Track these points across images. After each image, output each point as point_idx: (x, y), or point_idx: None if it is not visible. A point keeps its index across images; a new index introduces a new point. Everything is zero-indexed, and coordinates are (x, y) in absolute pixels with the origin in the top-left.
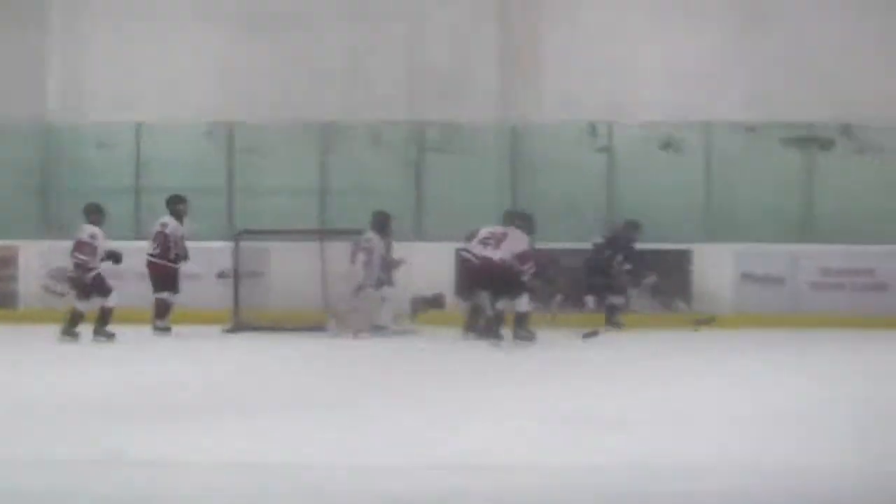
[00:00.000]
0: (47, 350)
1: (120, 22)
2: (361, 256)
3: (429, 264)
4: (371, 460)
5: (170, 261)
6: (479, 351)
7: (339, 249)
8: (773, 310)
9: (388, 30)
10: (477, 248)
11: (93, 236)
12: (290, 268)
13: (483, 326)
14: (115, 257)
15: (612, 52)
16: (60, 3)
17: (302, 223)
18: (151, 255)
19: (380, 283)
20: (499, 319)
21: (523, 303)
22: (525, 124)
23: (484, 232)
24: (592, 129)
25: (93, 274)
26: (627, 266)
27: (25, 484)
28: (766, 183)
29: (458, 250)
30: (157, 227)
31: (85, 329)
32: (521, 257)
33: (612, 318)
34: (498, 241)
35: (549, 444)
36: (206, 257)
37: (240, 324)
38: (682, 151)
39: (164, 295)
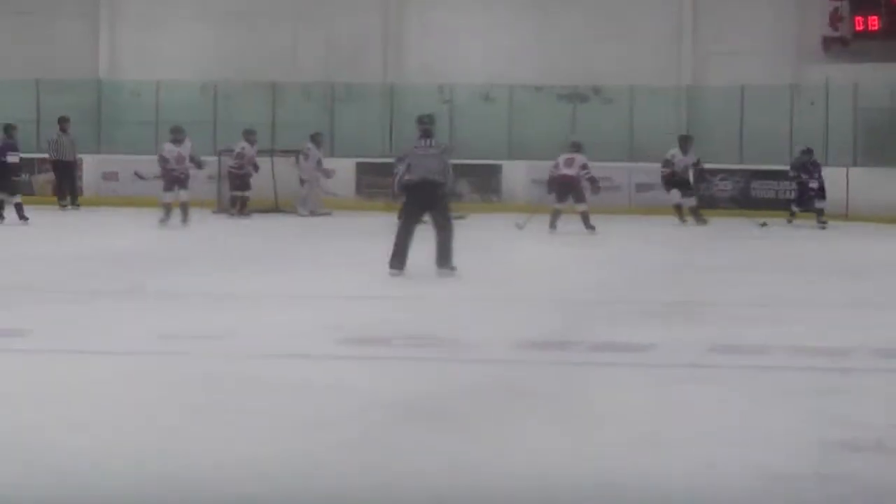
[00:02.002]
0: (109, 222)
1: (145, 14)
2: (302, 160)
3: (338, 172)
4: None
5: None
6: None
7: (288, 161)
8: (550, 203)
9: (314, 18)
10: (562, 168)
11: (169, 151)
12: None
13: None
14: (198, 163)
15: (452, 35)
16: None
17: (260, 147)
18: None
19: (315, 180)
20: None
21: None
22: (397, 85)
23: (563, 157)
24: (440, 89)
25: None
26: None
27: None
28: (546, 123)
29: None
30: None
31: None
32: (584, 168)
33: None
34: (571, 162)
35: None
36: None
37: (222, 207)
38: (495, 102)
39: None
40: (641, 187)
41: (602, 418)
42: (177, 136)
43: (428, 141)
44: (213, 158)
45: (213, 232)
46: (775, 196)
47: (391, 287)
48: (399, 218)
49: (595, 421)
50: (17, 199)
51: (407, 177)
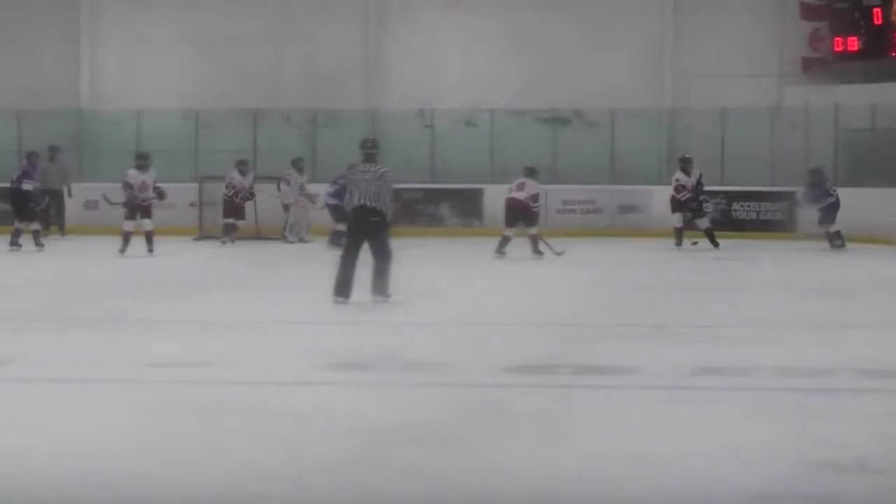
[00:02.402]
0: (88, 251)
1: (125, 43)
2: (284, 186)
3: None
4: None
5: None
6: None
7: (269, 188)
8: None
9: (294, 45)
10: (513, 192)
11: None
12: None
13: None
14: (159, 193)
15: (432, 61)
16: (86, 30)
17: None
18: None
19: (301, 205)
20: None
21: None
22: (379, 110)
23: (516, 181)
24: (421, 114)
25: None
26: None
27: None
28: (527, 147)
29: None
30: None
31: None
32: (534, 198)
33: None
34: (522, 186)
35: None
36: (180, 193)
37: (204, 234)
38: (477, 127)
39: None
40: (624, 209)
41: (588, 440)
42: (141, 162)
43: (369, 165)
44: (194, 185)
45: (194, 259)
46: (756, 217)
47: (374, 312)
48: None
49: (581, 442)
50: (35, 226)
51: (346, 201)
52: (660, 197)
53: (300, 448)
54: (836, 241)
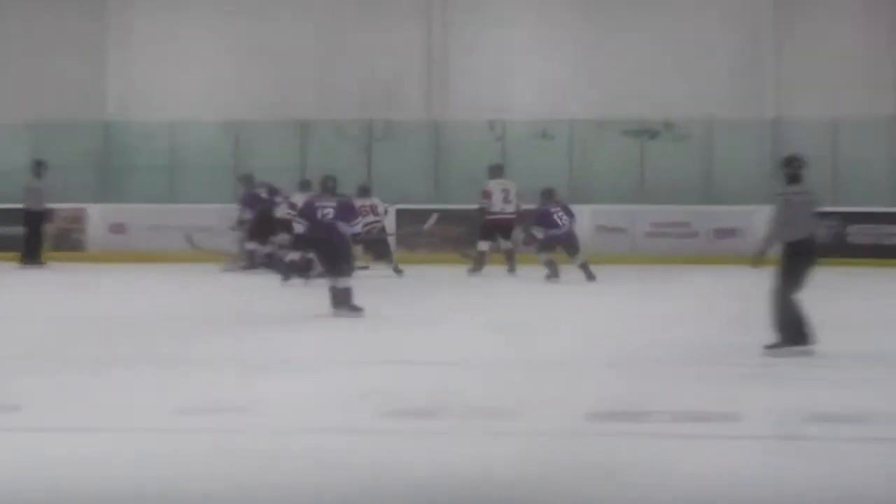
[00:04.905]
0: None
1: (157, 50)
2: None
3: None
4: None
5: None
6: None
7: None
8: (618, 251)
9: (346, 50)
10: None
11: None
12: None
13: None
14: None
15: (504, 65)
16: (113, 36)
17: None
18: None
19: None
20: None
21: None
22: (443, 121)
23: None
24: (491, 125)
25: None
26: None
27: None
28: (612, 162)
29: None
30: None
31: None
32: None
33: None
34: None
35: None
36: (216, 214)
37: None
38: (554, 140)
39: None
40: (721, 233)
41: (688, 499)
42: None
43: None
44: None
45: (222, 290)
46: (876, 242)
47: (426, 350)
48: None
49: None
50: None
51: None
52: (762, 218)
53: None
54: None
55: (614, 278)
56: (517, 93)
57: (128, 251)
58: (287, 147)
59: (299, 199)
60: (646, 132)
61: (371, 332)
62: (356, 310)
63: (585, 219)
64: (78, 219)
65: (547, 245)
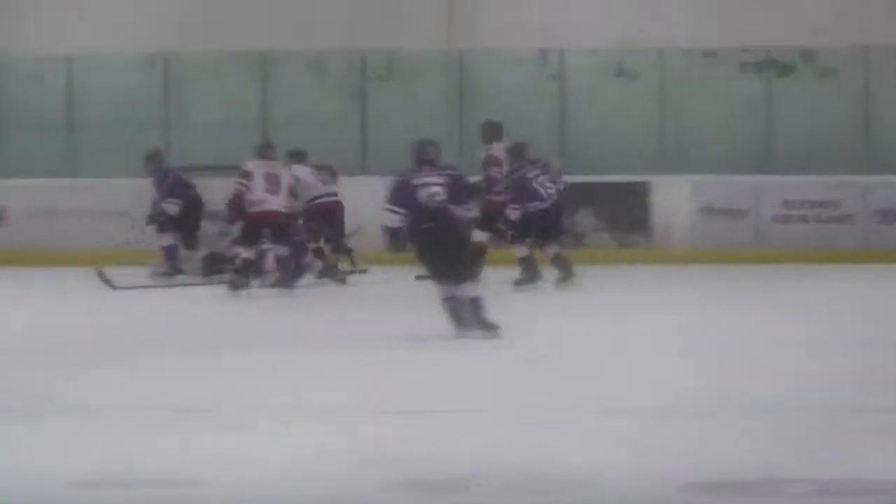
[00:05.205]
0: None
1: None
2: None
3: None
4: None
5: None
6: None
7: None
8: (734, 244)
9: None
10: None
11: None
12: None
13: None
14: None
15: None
16: None
17: (242, 158)
18: None
19: None
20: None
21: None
22: (470, 51)
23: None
24: (543, 56)
25: None
26: None
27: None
28: (724, 111)
29: None
30: None
31: None
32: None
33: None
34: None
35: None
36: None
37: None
38: (636, 79)
39: None
40: (885, 215)
41: None
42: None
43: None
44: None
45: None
46: None
47: (447, 388)
48: None
49: None
50: None
51: None
52: None
53: None
54: None
55: (725, 282)
56: (579, 9)
57: (5, 247)
58: (239, 90)
59: (257, 167)
60: (773, 65)
61: (370, 365)
62: (491, 327)
63: (684, 196)
64: None
65: (524, 228)
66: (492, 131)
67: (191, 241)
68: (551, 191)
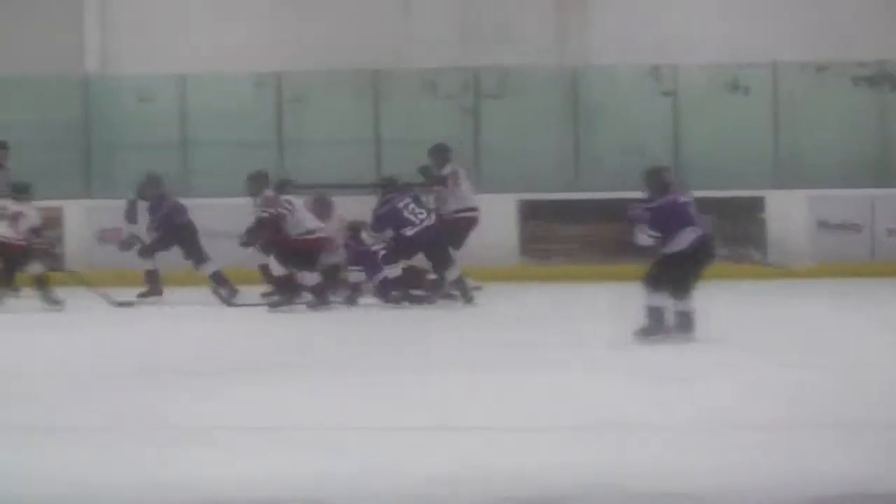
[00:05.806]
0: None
1: None
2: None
3: (489, 216)
4: None
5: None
6: None
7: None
8: (850, 258)
9: None
10: None
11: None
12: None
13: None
14: None
15: None
16: None
17: (355, 176)
18: None
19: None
20: None
21: None
22: (582, 68)
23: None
24: (656, 72)
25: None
26: None
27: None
28: (838, 125)
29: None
30: None
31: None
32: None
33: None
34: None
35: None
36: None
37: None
38: (750, 93)
39: None
40: None
41: None
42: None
43: None
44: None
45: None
46: None
47: (561, 400)
48: None
49: None
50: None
51: None
52: None
53: None
54: None
55: (844, 297)
56: (692, 24)
57: (120, 268)
58: (354, 109)
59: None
60: (888, 79)
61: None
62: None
63: (800, 211)
64: (53, 223)
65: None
66: (439, 153)
67: (198, 257)
68: (420, 215)
